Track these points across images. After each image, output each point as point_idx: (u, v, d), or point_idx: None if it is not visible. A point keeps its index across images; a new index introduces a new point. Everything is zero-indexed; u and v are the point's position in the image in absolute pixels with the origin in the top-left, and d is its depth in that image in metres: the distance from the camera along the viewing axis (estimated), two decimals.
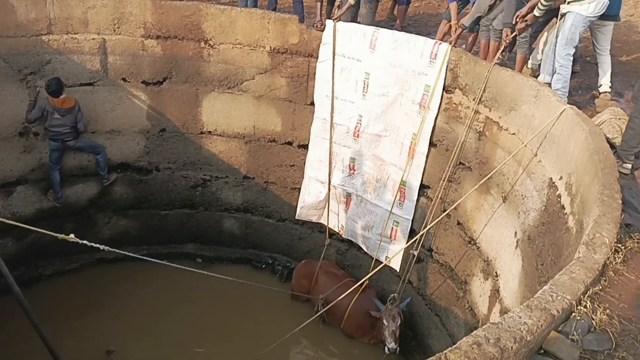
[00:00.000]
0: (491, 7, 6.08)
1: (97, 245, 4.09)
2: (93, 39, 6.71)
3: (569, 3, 5.18)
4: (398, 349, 6.27)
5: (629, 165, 4.38)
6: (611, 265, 2.94)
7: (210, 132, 7.42)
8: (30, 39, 6.46)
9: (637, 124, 4.33)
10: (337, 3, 6.79)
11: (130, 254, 5.03)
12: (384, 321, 6.26)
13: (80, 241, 3.99)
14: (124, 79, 7.01)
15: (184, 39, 6.85)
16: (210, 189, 7.80)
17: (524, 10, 5.41)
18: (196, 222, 8.02)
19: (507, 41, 5.63)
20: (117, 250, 4.60)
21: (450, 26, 6.63)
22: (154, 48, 6.89)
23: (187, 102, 7.22)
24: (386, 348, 6.25)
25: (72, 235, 3.95)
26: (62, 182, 7.10)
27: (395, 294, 6.44)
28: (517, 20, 5.43)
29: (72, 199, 7.35)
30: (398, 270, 6.75)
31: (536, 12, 5.29)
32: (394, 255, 6.57)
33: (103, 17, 6.64)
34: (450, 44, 5.85)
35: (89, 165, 7.28)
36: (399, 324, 6.23)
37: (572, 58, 5.34)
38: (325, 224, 7.43)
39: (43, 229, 7.24)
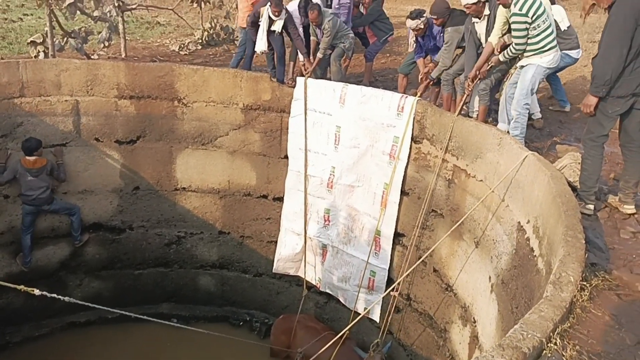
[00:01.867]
0: (453, 61, 6.41)
1: (65, 298, 3.99)
2: (66, 100, 6.79)
3: (527, 57, 5.48)
4: None
5: (592, 206, 4.53)
6: (578, 303, 3.02)
7: (184, 188, 7.44)
8: (2, 102, 6.51)
9: (589, 165, 4.51)
10: (300, 64, 7.05)
11: (129, 313, 4.85)
12: None
13: (48, 294, 3.90)
14: (97, 139, 7.05)
15: (158, 98, 6.99)
16: (185, 246, 7.73)
17: (480, 62, 5.71)
18: (171, 280, 7.89)
19: (469, 91, 5.90)
20: (106, 308, 4.53)
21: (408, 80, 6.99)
22: (127, 108, 6.99)
23: (161, 160, 7.27)
24: None
25: (36, 291, 3.86)
26: (32, 245, 6.96)
27: (378, 340, 6.36)
28: (477, 72, 5.73)
29: (42, 262, 7.20)
30: (377, 321, 6.70)
31: (501, 57, 5.55)
32: (372, 305, 6.55)
33: (76, 80, 6.75)
34: (417, 94, 6.13)
35: (60, 226, 7.17)
36: None
37: (529, 108, 5.61)
38: (303, 276, 7.40)
39: (11, 293, 7.09)
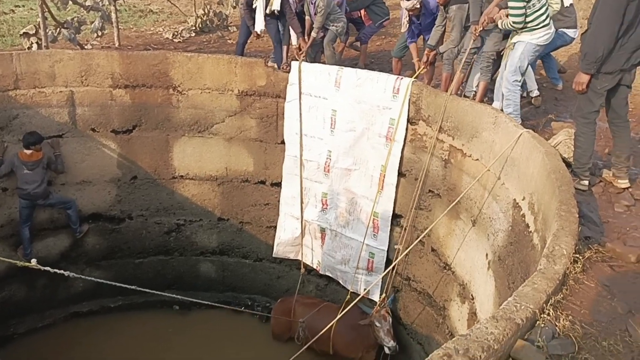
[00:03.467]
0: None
1: (63, 272, 4.08)
2: (61, 91, 6.78)
3: (520, 34, 5.47)
4: (397, 346, 6.19)
5: (586, 182, 4.56)
6: (571, 275, 3.07)
7: (182, 176, 7.47)
8: None
9: (582, 142, 4.53)
10: (297, 44, 7.02)
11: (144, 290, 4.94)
12: (376, 323, 6.19)
13: (42, 268, 4.05)
14: (93, 129, 7.06)
15: (153, 87, 6.98)
16: (184, 234, 7.78)
17: (490, 9, 5.58)
18: (171, 268, 7.95)
19: (477, 35, 5.70)
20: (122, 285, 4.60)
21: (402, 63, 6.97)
22: (122, 97, 6.99)
23: (157, 148, 7.28)
24: (386, 349, 6.16)
25: (34, 261, 3.97)
26: (32, 238, 7.00)
27: (385, 294, 6.45)
28: (485, 19, 5.60)
29: (42, 254, 7.21)
30: (377, 301, 6.76)
31: (499, 24, 5.49)
32: (371, 285, 6.61)
33: (70, 70, 6.74)
34: (424, 67, 6.26)
35: (59, 218, 7.21)
36: (390, 321, 6.19)
37: (519, 85, 5.57)
38: (302, 259, 7.46)
39: (14, 285, 7.15)
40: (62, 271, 4.16)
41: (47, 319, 7.46)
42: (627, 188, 4.51)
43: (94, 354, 7.02)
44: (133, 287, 5.09)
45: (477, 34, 5.72)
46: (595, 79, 4.30)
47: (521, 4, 5.17)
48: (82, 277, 4.84)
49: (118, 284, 4.98)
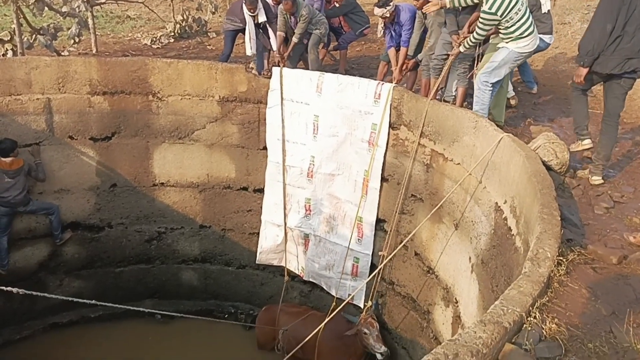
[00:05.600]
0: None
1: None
2: (37, 98, 6.65)
3: (506, 42, 5.50)
4: (389, 350, 6.13)
5: (588, 141, 5.18)
6: (556, 278, 3.11)
7: (163, 183, 7.38)
8: None
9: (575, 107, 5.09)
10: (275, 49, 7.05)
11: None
12: (365, 330, 6.11)
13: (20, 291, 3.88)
14: (70, 137, 6.94)
15: (132, 93, 6.89)
16: (165, 242, 7.68)
17: (473, 18, 5.64)
18: (153, 277, 7.84)
19: (460, 41, 5.67)
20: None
21: (388, 67, 6.98)
22: (100, 104, 6.89)
23: (137, 156, 7.18)
24: (378, 355, 6.05)
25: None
26: (9, 248, 6.84)
27: (370, 302, 6.43)
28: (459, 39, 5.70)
29: (20, 264, 7.08)
30: (362, 307, 6.76)
31: (461, 49, 5.57)
32: (356, 291, 6.61)
33: (47, 77, 6.62)
34: (400, 76, 6.34)
35: (37, 227, 7.06)
36: (378, 327, 6.13)
37: (489, 86, 5.59)
38: (285, 265, 7.43)
39: None
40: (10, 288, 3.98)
41: (25, 330, 7.28)
42: (600, 185, 4.64)
43: None
44: (107, 303, 4.93)
45: (460, 41, 5.75)
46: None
47: (492, 17, 5.18)
48: (34, 293, 4.69)
49: (86, 301, 4.78)
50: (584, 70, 4.65)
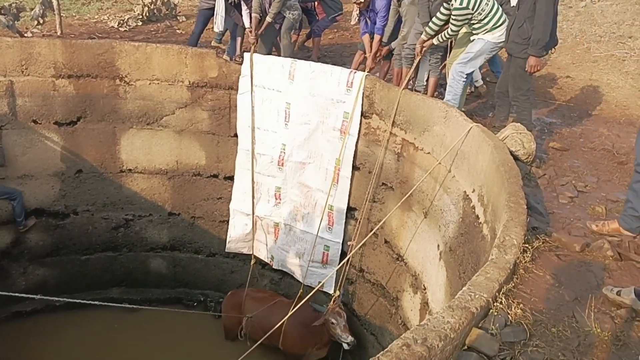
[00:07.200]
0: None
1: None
2: None
3: (478, 34, 5.61)
4: (355, 340, 6.12)
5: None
6: (521, 264, 3.18)
7: (130, 170, 7.24)
8: None
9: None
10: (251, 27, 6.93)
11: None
12: (332, 320, 6.10)
13: None
14: (34, 121, 6.72)
15: (98, 77, 6.71)
16: (133, 229, 7.55)
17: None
18: (120, 264, 7.71)
19: (421, 53, 5.90)
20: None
21: (364, 56, 6.97)
22: (65, 88, 6.68)
23: (104, 141, 7.02)
24: (344, 345, 6.06)
25: None
26: None
27: (338, 292, 6.44)
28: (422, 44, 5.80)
29: None
30: (332, 293, 6.80)
31: (435, 41, 5.70)
32: (326, 278, 6.63)
33: (9, 59, 6.38)
34: (373, 64, 6.42)
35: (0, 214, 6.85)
36: (345, 317, 6.14)
37: (463, 77, 5.75)
38: (256, 254, 7.40)
39: None
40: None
41: None
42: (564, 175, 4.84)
43: (37, 354, 6.73)
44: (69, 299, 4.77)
45: (423, 53, 5.91)
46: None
47: (465, 12, 5.33)
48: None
49: (53, 298, 4.62)
50: (540, 60, 5.15)
